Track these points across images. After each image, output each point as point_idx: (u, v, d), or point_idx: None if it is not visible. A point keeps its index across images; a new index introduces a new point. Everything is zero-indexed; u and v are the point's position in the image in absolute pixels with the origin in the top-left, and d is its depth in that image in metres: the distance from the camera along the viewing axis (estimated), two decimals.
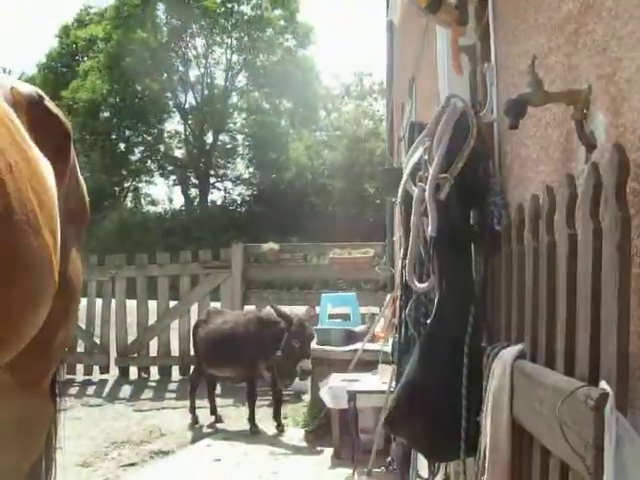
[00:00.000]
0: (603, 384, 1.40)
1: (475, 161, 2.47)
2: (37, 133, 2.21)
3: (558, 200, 1.77)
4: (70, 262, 2.47)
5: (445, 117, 2.55)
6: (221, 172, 33.30)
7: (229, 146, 33.25)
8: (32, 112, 2.24)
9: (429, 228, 2.45)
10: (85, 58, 32.02)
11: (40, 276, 2.02)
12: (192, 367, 9.07)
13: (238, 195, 33.12)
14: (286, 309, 7.30)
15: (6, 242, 1.80)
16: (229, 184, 33.41)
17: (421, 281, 2.71)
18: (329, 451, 6.12)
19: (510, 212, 2.36)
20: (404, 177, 2.84)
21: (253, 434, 6.94)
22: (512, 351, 1.99)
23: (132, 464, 6.12)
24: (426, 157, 2.63)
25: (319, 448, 6.30)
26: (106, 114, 31.47)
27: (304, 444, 6.55)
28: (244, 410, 7.73)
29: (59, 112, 2.48)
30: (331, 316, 8.15)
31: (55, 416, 2.89)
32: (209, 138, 32.58)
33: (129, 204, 33.26)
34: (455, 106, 2.56)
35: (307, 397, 7.69)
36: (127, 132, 32.25)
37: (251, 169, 32.77)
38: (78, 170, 2.67)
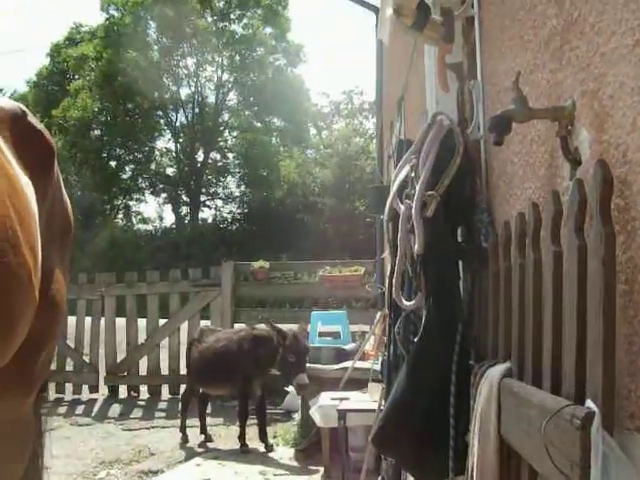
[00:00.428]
0: (589, 403, 1.38)
1: (462, 178, 2.47)
2: (19, 149, 2.19)
3: (544, 217, 1.76)
4: (53, 281, 2.44)
5: (431, 134, 2.55)
6: (212, 190, 33.31)
7: (220, 164, 33.28)
8: (14, 128, 2.22)
9: (416, 245, 2.44)
10: (76, 77, 32.04)
11: (19, 295, 1.99)
12: (182, 386, 9.03)
13: (229, 213, 33.14)
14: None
15: None
16: (220, 202, 33.44)
17: (410, 299, 2.70)
18: (320, 470, 6.07)
19: (497, 229, 2.35)
20: (391, 194, 2.83)
21: (243, 453, 6.90)
22: (499, 369, 1.97)
23: None
24: (413, 174, 2.63)
25: (310, 467, 6.25)
26: (97, 132, 31.52)
27: (295, 463, 6.51)
28: (234, 429, 7.69)
29: (42, 128, 2.45)
30: (321, 334, 8.11)
31: (40, 437, 2.85)
32: (200, 156, 32.60)
33: (120, 222, 33.18)
34: (441, 123, 2.56)
35: (297, 416, 7.64)
36: (118, 150, 32.28)
37: (242, 187, 32.78)
38: (62, 187, 2.64)
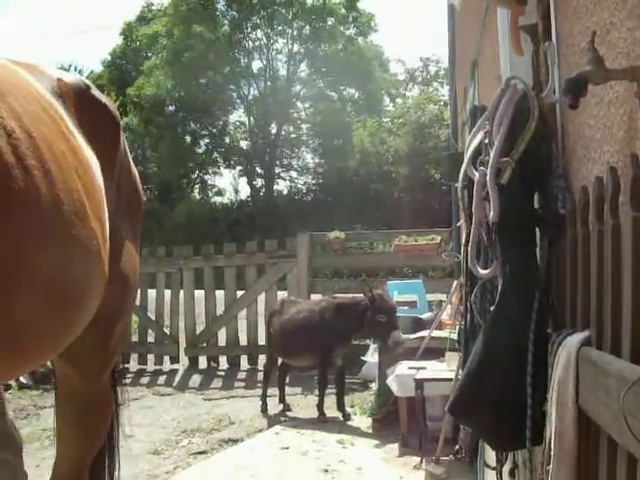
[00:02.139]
0: None
1: (537, 143, 2.41)
2: (85, 123, 2.21)
3: (623, 181, 1.71)
4: (124, 254, 2.47)
5: (505, 99, 2.48)
6: (286, 162, 33.48)
7: (293, 135, 33.39)
8: (79, 102, 2.24)
9: (491, 213, 2.40)
10: (149, 54, 32.52)
11: (89, 267, 2.02)
12: (261, 356, 9.19)
13: (303, 184, 33.29)
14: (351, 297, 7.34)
15: (55, 233, 1.80)
16: (294, 173, 33.63)
17: (485, 267, 2.66)
18: (397, 439, 6.09)
19: (574, 195, 2.29)
20: (465, 162, 2.79)
21: (321, 422, 6.98)
22: (577, 338, 1.93)
23: (202, 452, 6.22)
24: (487, 141, 2.58)
25: (387, 436, 6.28)
26: (171, 108, 31.97)
27: (372, 432, 6.55)
28: (312, 398, 7.78)
29: (107, 100, 2.48)
30: (398, 303, 8.10)
31: (117, 407, 2.94)
32: (273, 128, 32.77)
33: (196, 196, 33.69)
34: (515, 88, 2.49)
35: (374, 385, 7.67)
36: (192, 125, 32.72)
37: (316, 158, 32.84)
38: (130, 160, 2.66)
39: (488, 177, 2.39)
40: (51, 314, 1.87)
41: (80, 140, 2.11)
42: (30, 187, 1.67)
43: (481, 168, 2.54)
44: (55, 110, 2.01)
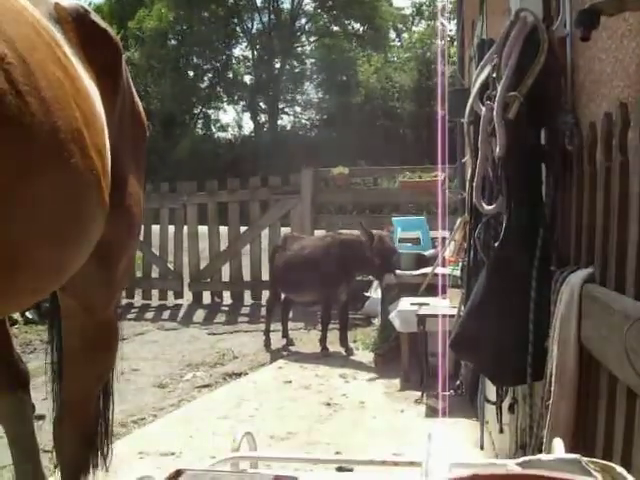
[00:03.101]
0: None
1: (546, 78, 2.36)
2: (85, 49, 2.15)
3: (632, 117, 1.68)
4: (127, 187, 2.44)
5: (514, 32, 2.43)
6: (290, 97, 33.11)
7: (297, 70, 32.94)
8: (78, 28, 2.16)
9: (497, 148, 2.37)
10: None
11: (88, 197, 1.99)
12: (264, 292, 9.24)
13: (307, 120, 33.00)
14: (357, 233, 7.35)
15: (52, 162, 1.77)
16: (298, 109, 33.31)
17: (490, 204, 2.65)
18: (398, 374, 6.16)
19: (582, 131, 2.26)
20: (472, 96, 2.75)
21: (324, 356, 7.06)
22: (581, 275, 1.93)
23: (206, 385, 6.30)
24: (494, 75, 2.53)
25: (389, 371, 6.35)
26: (173, 42, 31.48)
27: (374, 367, 6.62)
28: (315, 333, 7.85)
29: (107, 26, 2.39)
30: (401, 240, 8.10)
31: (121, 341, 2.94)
32: (277, 63, 32.32)
33: (199, 131, 33.43)
34: (525, 20, 2.44)
35: (377, 321, 7.74)
36: (195, 59, 32.26)
37: (320, 93, 32.48)
38: (133, 89, 2.59)
39: (495, 112, 2.36)
40: (50, 243, 1.85)
41: (79, 67, 2.05)
42: (25, 114, 1.62)
43: (488, 103, 2.50)
44: (51, 36, 1.94)
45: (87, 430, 2.77)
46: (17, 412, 2.85)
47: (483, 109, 2.53)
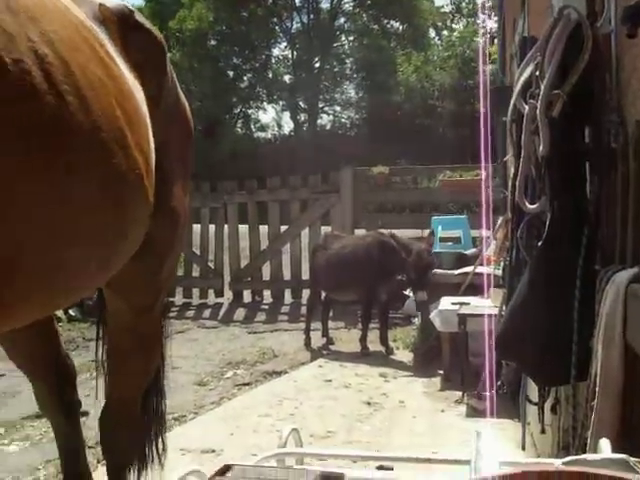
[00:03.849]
0: None
1: (590, 76, 2.34)
2: (129, 49, 2.16)
3: None
4: (173, 187, 2.45)
5: (558, 30, 2.41)
6: (329, 96, 33.11)
7: (337, 70, 32.93)
8: (123, 28, 2.18)
9: (540, 147, 2.36)
10: None
11: (131, 198, 2.00)
12: (304, 290, 9.27)
13: (347, 119, 32.97)
14: (398, 233, 7.32)
15: (94, 161, 1.77)
16: (338, 108, 33.28)
17: (533, 202, 2.62)
18: (438, 374, 6.14)
19: (627, 129, 2.23)
20: (514, 94, 2.73)
21: (364, 356, 7.06)
22: (626, 274, 1.91)
23: (246, 384, 6.34)
24: (537, 73, 2.51)
25: (429, 371, 6.33)
26: (213, 42, 31.65)
27: (414, 367, 6.60)
28: (355, 332, 7.86)
29: (151, 27, 2.40)
30: (442, 239, 8.08)
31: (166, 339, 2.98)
32: (317, 62, 32.33)
33: (239, 130, 33.57)
34: (569, 17, 2.41)
35: (417, 320, 7.71)
36: (235, 59, 32.38)
37: (360, 92, 32.43)
38: (178, 88, 2.59)
39: (538, 110, 2.34)
40: (93, 242, 1.87)
41: (122, 67, 2.06)
42: (64, 113, 1.63)
43: (531, 101, 2.48)
44: (94, 36, 1.95)
45: (132, 427, 2.81)
46: (65, 407, 2.90)
47: (526, 107, 2.51)
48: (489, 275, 6.03)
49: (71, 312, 8.57)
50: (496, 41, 10.98)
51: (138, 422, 2.86)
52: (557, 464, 1.06)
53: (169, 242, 2.53)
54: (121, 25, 2.18)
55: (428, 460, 1.41)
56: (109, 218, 1.90)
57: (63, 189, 1.66)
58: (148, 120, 2.15)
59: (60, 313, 8.12)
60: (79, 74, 1.71)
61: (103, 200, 1.84)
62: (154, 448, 3.02)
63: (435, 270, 6.98)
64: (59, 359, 2.90)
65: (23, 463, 4.51)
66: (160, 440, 3.06)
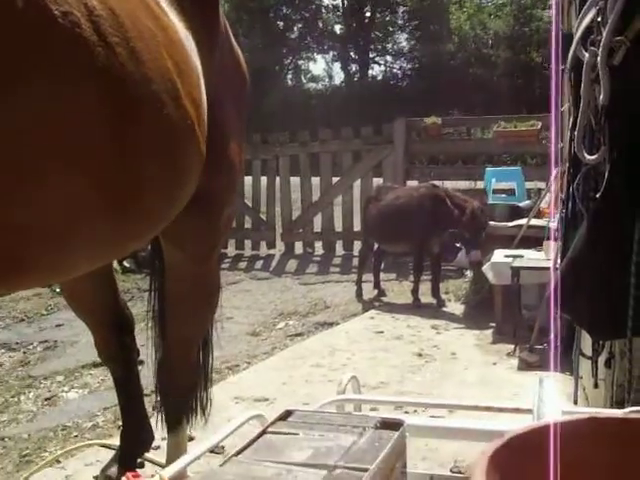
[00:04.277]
0: None
1: None
2: (181, 0, 2.13)
3: None
4: (227, 138, 2.45)
5: None
6: (380, 46, 32.69)
7: (388, 19, 32.43)
8: None
9: (601, 96, 2.29)
10: None
11: (182, 147, 2.00)
12: (356, 242, 9.29)
13: (399, 69, 32.57)
14: (450, 184, 7.26)
15: (144, 112, 1.78)
16: (389, 58, 32.87)
17: (591, 153, 2.56)
18: (490, 327, 6.12)
19: None
20: (574, 41, 2.65)
21: (416, 307, 7.06)
22: None
23: (298, 334, 6.41)
24: (599, 19, 2.43)
25: (480, 323, 6.32)
26: None
27: (465, 319, 6.59)
28: (406, 284, 7.87)
29: None
30: (495, 191, 7.99)
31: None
32: (367, 12, 31.88)
33: (289, 82, 33.43)
34: None
35: (469, 272, 7.68)
36: (285, 10, 32.11)
37: (412, 42, 31.93)
38: (232, 38, 2.58)
39: (599, 58, 2.27)
40: (149, 189, 1.88)
41: (173, 18, 2.04)
42: (114, 65, 1.62)
43: (592, 48, 2.41)
44: None
45: (188, 376, 2.87)
46: (124, 356, 2.97)
47: (586, 55, 2.44)
48: (543, 228, 5.95)
49: (125, 264, 8.72)
50: None
51: (193, 372, 2.92)
52: (619, 414, 1.05)
53: (225, 193, 2.55)
54: None
55: (488, 408, 1.41)
56: (161, 167, 1.91)
57: (114, 140, 1.67)
58: (200, 70, 2.14)
59: (115, 264, 8.28)
60: (128, 25, 1.70)
61: (155, 150, 1.85)
62: (200, 400, 3.08)
63: (489, 222, 6.91)
64: (118, 308, 2.96)
65: (82, 409, 4.66)
66: (206, 394, 3.11)
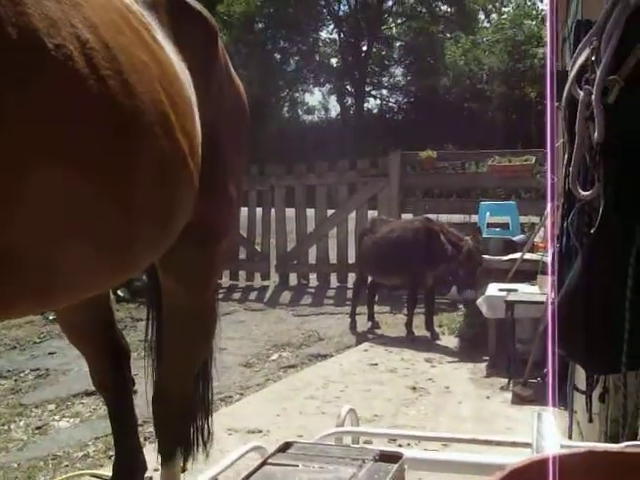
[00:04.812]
0: None
1: None
2: (177, 32, 2.15)
3: None
4: (226, 169, 2.46)
5: (615, 13, 2.37)
6: (376, 80, 32.97)
7: (384, 53, 32.75)
8: (172, 10, 2.17)
9: (595, 134, 2.32)
10: None
11: (174, 179, 2.01)
12: (350, 274, 9.30)
13: (394, 102, 32.84)
14: (445, 218, 7.29)
15: (137, 145, 1.79)
16: (385, 92, 33.16)
17: (585, 189, 2.59)
18: (484, 360, 6.12)
19: None
20: (569, 80, 2.69)
21: (410, 340, 7.06)
22: None
23: (292, 366, 6.40)
24: (593, 58, 2.47)
25: (474, 357, 6.31)
26: (260, 25, 31.68)
27: (459, 352, 6.59)
28: (400, 317, 7.87)
29: (202, 8, 2.40)
30: (490, 225, 8.03)
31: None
32: (364, 45, 32.19)
33: (286, 114, 33.63)
34: (628, 1, 2.37)
35: (463, 306, 7.69)
36: (282, 43, 32.39)
37: (408, 76, 32.21)
38: (232, 71, 2.60)
39: (594, 96, 2.30)
40: (140, 222, 1.88)
41: (169, 50, 2.06)
42: (106, 97, 1.64)
43: (586, 87, 2.45)
44: (139, 20, 1.95)
45: (184, 406, 2.86)
46: (119, 385, 2.96)
47: (581, 93, 2.47)
48: (537, 262, 5.98)
49: (119, 293, 8.70)
50: (547, 24, 10.79)
51: (190, 400, 2.91)
52: (616, 448, 1.06)
53: (222, 225, 2.56)
54: (169, 7, 2.18)
55: (486, 442, 1.42)
56: (154, 199, 1.92)
57: (102, 169, 1.68)
58: (195, 103, 2.15)
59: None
60: (122, 58, 1.72)
61: (146, 182, 1.85)
62: (200, 432, 3.07)
63: (483, 256, 6.94)
64: (115, 337, 2.95)
65: (73, 438, 4.63)
66: (206, 425, 3.10)
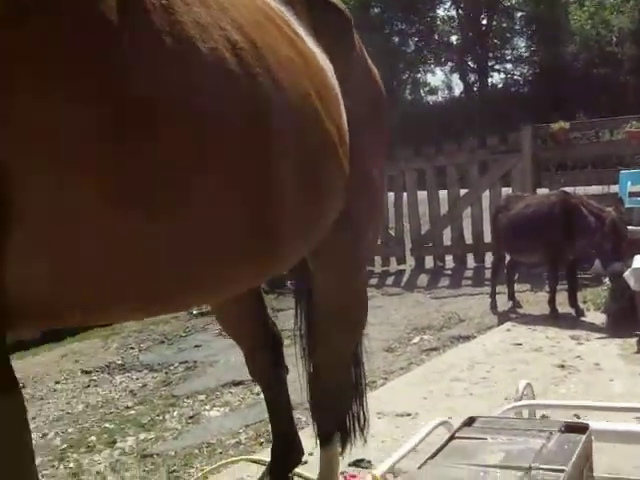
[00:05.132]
0: None
1: None
2: (316, 25, 2.21)
3: None
4: (368, 157, 2.49)
5: None
6: (499, 53, 32.19)
7: (505, 25, 31.91)
8: (309, 4, 2.23)
9: None
10: None
11: (326, 168, 2.06)
12: (487, 254, 9.18)
13: (520, 75, 31.96)
14: (581, 190, 7.07)
15: (289, 137, 1.83)
16: (509, 65, 32.32)
17: None
18: (634, 335, 5.90)
19: None
20: None
21: (553, 318, 6.89)
22: None
23: (434, 349, 6.37)
24: None
25: (623, 332, 6.10)
26: (376, 10, 31.53)
27: (606, 328, 6.38)
28: (541, 295, 7.70)
29: (337, 1, 2.46)
30: (631, 194, 7.72)
31: None
32: (484, 19, 31.48)
33: (408, 96, 33.38)
34: None
35: (608, 280, 7.44)
36: (399, 25, 32.13)
37: (531, 47, 31.26)
38: (367, 59, 2.64)
39: None
40: (294, 214, 1.94)
41: (310, 43, 2.11)
42: (257, 94, 1.71)
43: None
44: (281, 17, 2.01)
45: (338, 392, 2.93)
46: (274, 373, 3.07)
47: None
48: None
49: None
50: None
51: (344, 386, 2.98)
52: None
53: (368, 213, 2.59)
54: (307, 1, 2.24)
55: None
56: (306, 188, 1.96)
57: (258, 162, 1.75)
58: (339, 92, 2.20)
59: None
60: (269, 55, 1.78)
61: (299, 174, 1.90)
62: (356, 418, 3.13)
63: (627, 227, 6.68)
64: (267, 326, 3.06)
65: (224, 427, 4.81)
66: (362, 410, 3.16)
